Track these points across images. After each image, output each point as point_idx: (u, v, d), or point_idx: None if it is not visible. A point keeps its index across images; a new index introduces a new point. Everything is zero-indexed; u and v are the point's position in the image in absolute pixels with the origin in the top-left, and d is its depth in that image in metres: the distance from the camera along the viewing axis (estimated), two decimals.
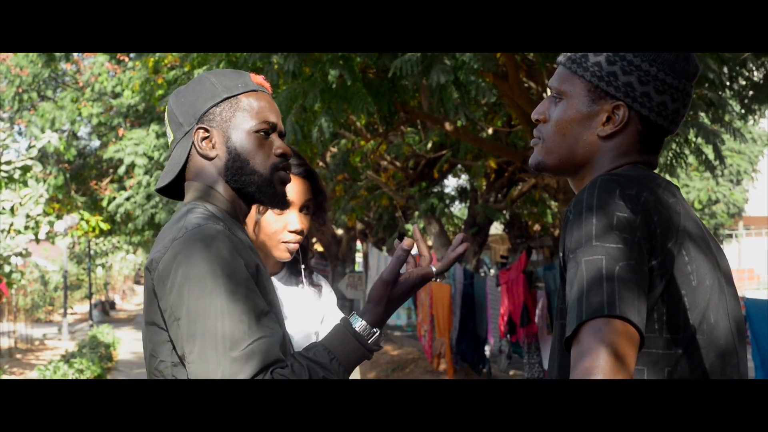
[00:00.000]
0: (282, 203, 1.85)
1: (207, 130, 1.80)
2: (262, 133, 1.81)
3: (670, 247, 1.48)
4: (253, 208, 2.16)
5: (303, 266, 2.47)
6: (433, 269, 1.81)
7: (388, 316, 1.77)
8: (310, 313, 2.42)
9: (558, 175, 1.68)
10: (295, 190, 2.30)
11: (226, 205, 1.80)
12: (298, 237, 2.32)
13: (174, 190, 1.88)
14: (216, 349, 1.58)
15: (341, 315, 2.45)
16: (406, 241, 1.78)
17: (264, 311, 1.65)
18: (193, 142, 1.80)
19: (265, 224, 2.31)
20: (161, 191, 1.88)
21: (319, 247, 20.59)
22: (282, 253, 2.33)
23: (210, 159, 1.80)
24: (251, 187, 1.80)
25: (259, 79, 1.87)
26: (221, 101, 1.80)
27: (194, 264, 1.62)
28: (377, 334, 1.75)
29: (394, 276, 1.77)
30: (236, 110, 1.80)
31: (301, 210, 2.34)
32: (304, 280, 2.46)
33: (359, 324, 1.74)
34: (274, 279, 2.42)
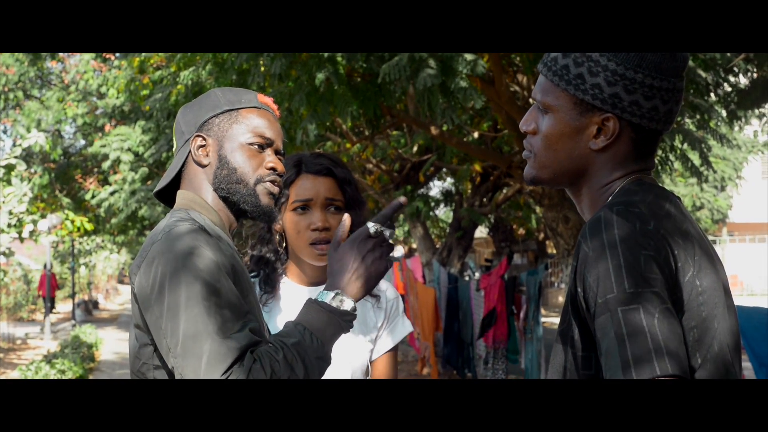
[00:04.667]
0: (266, 216, 1.87)
1: (204, 138, 1.85)
2: (256, 147, 1.84)
3: (688, 279, 1.45)
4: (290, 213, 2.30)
5: None
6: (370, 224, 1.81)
7: (342, 277, 1.76)
8: (359, 322, 2.33)
9: (555, 187, 1.64)
10: (314, 188, 2.33)
11: (212, 214, 1.84)
12: (323, 235, 2.31)
13: (171, 197, 1.93)
14: (200, 340, 1.59)
15: (407, 322, 2.44)
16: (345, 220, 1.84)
17: (241, 308, 1.66)
18: (190, 150, 1.85)
19: (289, 224, 2.33)
20: (159, 197, 1.95)
21: None
22: (311, 257, 2.32)
23: (203, 166, 1.85)
24: (236, 196, 1.83)
25: (266, 99, 1.92)
26: (222, 112, 1.86)
27: (169, 263, 1.65)
28: (337, 294, 1.74)
29: (336, 245, 1.81)
30: (234, 122, 1.85)
31: (326, 208, 2.34)
32: None
33: (322, 294, 1.75)
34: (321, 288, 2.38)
